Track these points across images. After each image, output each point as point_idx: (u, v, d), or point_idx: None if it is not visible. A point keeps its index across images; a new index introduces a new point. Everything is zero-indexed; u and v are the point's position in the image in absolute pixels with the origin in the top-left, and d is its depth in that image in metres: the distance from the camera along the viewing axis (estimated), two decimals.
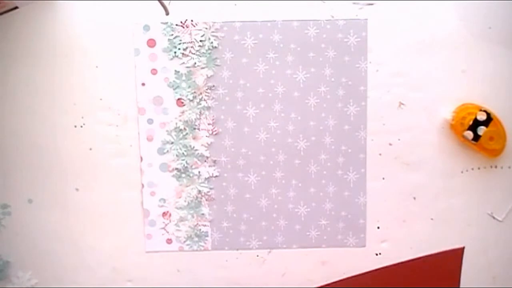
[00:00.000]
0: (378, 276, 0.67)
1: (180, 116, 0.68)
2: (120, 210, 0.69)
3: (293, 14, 0.66)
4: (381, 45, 0.66)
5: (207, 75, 0.67)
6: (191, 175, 0.68)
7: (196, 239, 0.70)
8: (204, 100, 0.67)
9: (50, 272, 0.70)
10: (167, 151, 0.68)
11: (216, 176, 0.69)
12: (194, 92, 0.67)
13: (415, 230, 0.69)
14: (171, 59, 0.67)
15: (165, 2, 0.65)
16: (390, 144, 0.68)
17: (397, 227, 0.69)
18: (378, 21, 0.66)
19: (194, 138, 0.68)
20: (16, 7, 0.64)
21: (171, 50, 0.67)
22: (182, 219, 0.69)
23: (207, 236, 0.70)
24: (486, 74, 0.66)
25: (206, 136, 0.68)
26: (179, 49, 0.66)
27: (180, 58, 0.67)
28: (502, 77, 0.66)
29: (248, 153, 0.68)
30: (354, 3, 0.66)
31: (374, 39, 0.66)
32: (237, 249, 0.70)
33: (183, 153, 0.68)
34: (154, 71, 0.67)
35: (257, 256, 0.70)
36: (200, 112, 0.68)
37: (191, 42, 0.66)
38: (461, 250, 0.67)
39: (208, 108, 0.68)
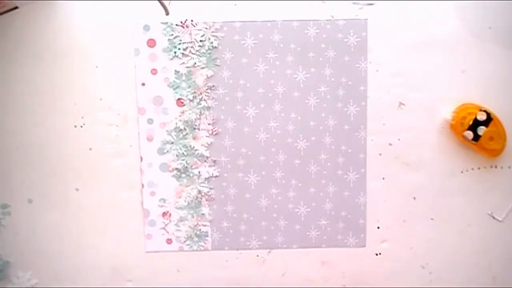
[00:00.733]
0: None
1: (180, 116, 0.68)
2: (120, 210, 0.69)
3: (293, 14, 0.66)
4: (381, 45, 0.66)
5: (207, 75, 0.67)
6: (191, 175, 0.69)
7: (196, 239, 0.70)
8: (204, 100, 0.67)
9: (50, 272, 0.70)
10: (167, 151, 0.68)
11: (216, 176, 0.69)
12: (194, 92, 0.67)
13: (415, 230, 0.69)
14: (171, 59, 0.67)
15: (165, 2, 0.65)
16: (390, 144, 0.68)
17: (397, 227, 0.69)
18: (378, 21, 0.66)
19: (194, 138, 0.68)
20: (16, 7, 0.64)
21: (171, 50, 0.67)
22: (182, 219, 0.69)
23: (207, 236, 0.70)
24: (486, 74, 0.66)
25: (206, 136, 0.68)
26: (179, 49, 0.66)
27: (180, 58, 0.67)
28: (502, 77, 0.66)
29: (248, 153, 0.68)
30: (354, 3, 0.66)
31: (374, 39, 0.66)
32: (237, 249, 0.70)
33: (183, 153, 0.68)
34: (154, 71, 0.67)
35: (257, 256, 0.70)
36: (200, 112, 0.68)
37: (191, 42, 0.66)
38: None
39: (208, 108, 0.68)
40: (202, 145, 0.68)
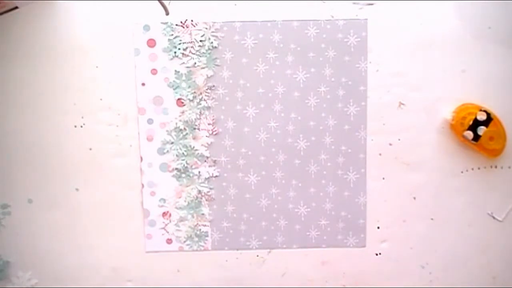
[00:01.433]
0: None
1: (180, 116, 0.68)
2: (120, 210, 0.69)
3: (293, 14, 0.66)
4: (381, 45, 0.66)
5: (207, 75, 0.67)
6: (191, 175, 0.69)
7: (196, 239, 0.70)
8: (204, 100, 0.67)
9: (50, 272, 0.70)
10: (167, 151, 0.68)
11: (216, 176, 0.69)
12: (194, 92, 0.67)
13: (415, 230, 0.69)
14: (171, 59, 0.67)
15: (165, 2, 0.65)
16: (390, 144, 0.68)
17: (397, 227, 0.69)
18: (378, 21, 0.66)
19: (194, 138, 0.68)
20: (16, 7, 0.64)
21: (171, 50, 0.67)
22: (182, 219, 0.69)
23: (207, 236, 0.70)
24: (486, 74, 0.66)
25: (206, 136, 0.68)
26: (179, 49, 0.66)
27: (180, 58, 0.67)
28: (502, 77, 0.66)
29: (248, 153, 0.68)
30: (354, 3, 0.66)
31: (374, 39, 0.66)
32: (237, 249, 0.70)
33: (183, 153, 0.68)
34: (154, 71, 0.67)
35: (257, 256, 0.70)
36: (200, 112, 0.68)
37: (191, 42, 0.66)
38: None
39: (208, 108, 0.68)
40: (202, 145, 0.68)
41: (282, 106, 0.68)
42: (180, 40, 0.66)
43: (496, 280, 0.69)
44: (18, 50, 0.66)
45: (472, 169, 0.68)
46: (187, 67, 0.67)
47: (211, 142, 0.68)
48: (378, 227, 0.69)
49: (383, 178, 0.68)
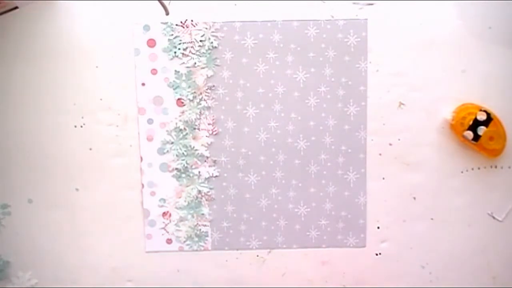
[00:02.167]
0: None
1: (180, 116, 0.68)
2: (120, 210, 0.69)
3: (293, 14, 0.66)
4: (381, 45, 0.66)
5: (207, 75, 0.67)
6: (191, 175, 0.69)
7: (196, 239, 0.70)
8: (204, 100, 0.67)
9: (50, 272, 0.70)
10: (167, 151, 0.68)
11: (216, 176, 0.69)
12: (194, 92, 0.67)
13: (415, 230, 0.69)
14: (171, 59, 0.67)
15: (165, 2, 0.65)
16: (390, 144, 0.68)
17: (397, 227, 0.69)
18: (378, 21, 0.66)
19: (194, 138, 0.68)
20: (16, 7, 0.64)
21: (171, 50, 0.67)
22: (182, 219, 0.69)
23: (207, 236, 0.70)
24: (486, 74, 0.66)
25: (206, 136, 0.68)
26: (179, 49, 0.66)
27: (180, 58, 0.67)
28: (502, 77, 0.66)
29: (248, 153, 0.68)
30: (354, 3, 0.66)
31: (374, 39, 0.66)
32: (237, 249, 0.70)
33: (183, 153, 0.68)
34: (154, 71, 0.67)
35: (257, 256, 0.70)
36: (200, 112, 0.68)
37: (191, 42, 0.66)
38: None
39: (208, 108, 0.68)
40: (202, 145, 0.68)
41: (282, 106, 0.68)
42: (180, 40, 0.66)
43: (496, 280, 0.69)
44: (18, 50, 0.66)
45: (472, 169, 0.68)
46: (187, 67, 0.67)
47: (211, 142, 0.68)
48: (378, 227, 0.69)
49: (383, 178, 0.68)
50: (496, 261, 0.69)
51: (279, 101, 0.67)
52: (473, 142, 0.65)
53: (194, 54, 0.67)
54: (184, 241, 0.70)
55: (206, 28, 0.66)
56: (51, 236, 0.69)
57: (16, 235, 0.69)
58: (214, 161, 0.68)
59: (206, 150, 0.68)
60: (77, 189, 0.69)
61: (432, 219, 0.69)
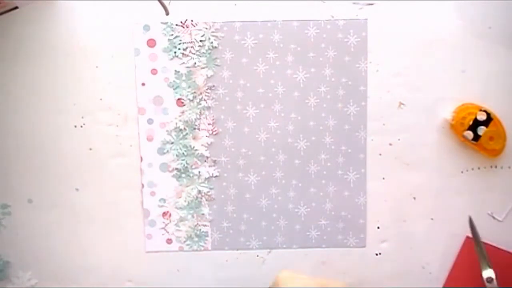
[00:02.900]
0: None
1: (180, 116, 0.68)
2: (120, 210, 0.69)
3: (293, 14, 0.66)
4: (381, 45, 0.66)
5: (207, 75, 0.67)
6: (191, 175, 0.68)
7: (196, 239, 0.70)
8: (204, 100, 0.67)
9: (50, 272, 0.70)
10: (167, 151, 0.68)
11: (216, 176, 0.69)
12: (194, 92, 0.67)
13: (415, 230, 0.69)
14: (171, 59, 0.67)
15: (165, 2, 0.65)
16: (390, 144, 0.68)
17: (397, 227, 0.69)
18: (378, 21, 0.66)
19: (194, 138, 0.68)
20: (16, 7, 0.64)
21: (171, 50, 0.67)
22: (182, 219, 0.69)
23: (207, 236, 0.70)
24: (486, 74, 0.66)
25: (206, 136, 0.68)
26: (179, 49, 0.66)
27: (180, 58, 0.67)
28: (502, 77, 0.66)
29: (248, 153, 0.68)
30: (354, 3, 0.66)
31: (374, 39, 0.66)
32: (237, 249, 0.70)
33: (183, 153, 0.68)
34: (154, 71, 0.67)
35: (257, 256, 0.70)
36: (200, 112, 0.68)
37: (191, 42, 0.66)
38: None
39: (208, 108, 0.68)
40: (202, 145, 0.68)
41: (282, 106, 0.68)
42: (180, 40, 0.66)
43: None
44: (18, 50, 0.67)
45: (472, 169, 0.68)
46: (187, 67, 0.67)
47: (211, 142, 0.68)
48: (378, 227, 0.69)
49: (383, 178, 0.68)
50: None
51: (279, 101, 0.67)
52: (473, 142, 0.65)
53: (194, 54, 0.67)
54: (184, 241, 0.70)
55: (206, 28, 0.66)
56: (51, 236, 0.69)
57: (16, 235, 0.69)
58: (214, 161, 0.68)
59: (206, 150, 0.68)
60: (77, 189, 0.69)
61: (432, 219, 0.69)
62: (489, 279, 0.62)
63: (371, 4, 0.66)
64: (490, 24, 0.65)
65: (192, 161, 0.68)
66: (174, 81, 0.67)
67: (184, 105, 0.67)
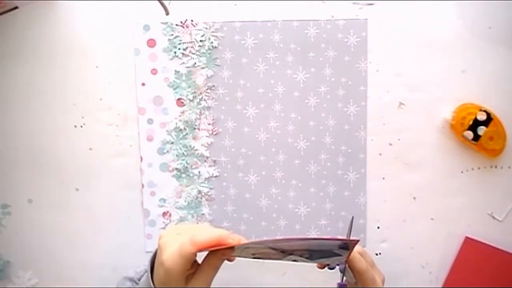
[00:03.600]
0: None
1: (180, 116, 0.68)
2: (120, 210, 0.69)
3: (293, 14, 0.66)
4: (381, 45, 0.66)
5: (207, 75, 0.67)
6: (191, 175, 0.69)
7: None
8: (204, 100, 0.67)
9: (50, 272, 0.70)
10: (167, 151, 0.68)
11: (216, 176, 0.69)
12: (194, 92, 0.67)
13: (415, 230, 0.69)
14: (171, 59, 0.67)
15: (165, 2, 0.65)
16: (390, 144, 0.68)
17: (397, 227, 0.69)
18: (378, 21, 0.66)
19: (194, 138, 0.68)
20: (16, 7, 0.64)
21: (171, 50, 0.67)
22: (182, 219, 0.69)
23: None
24: (486, 74, 0.66)
25: (206, 136, 0.68)
26: (179, 49, 0.66)
27: (180, 58, 0.67)
28: (502, 77, 0.66)
29: (248, 153, 0.68)
30: (354, 3, 0.66)
31: (374, 39, 0.66)
32: None
33: (183, 153, 0.68)
34: (154, 71, 0.67)
35: None
36: (200, 112, 0.68)
37: (191, 42, 0.66)
38: None
39: (208, 108, 0.68)
40: (202, 145, 0.68)
41: (282, 106, 0.68)
42: (180, 40, 0.66)
43: None
44: (18, 50, 0.66)
45: (472, 169, 0.68)
46: (187, 67, 0.67)
47: (211, 142, 0.68)
48: (378, 227, 0.69)
49: (383, 178, 0.68)
50: None
51: (279, 101, 0.67)
52: (473, 142, 0.65)
53: (194, 54, 0.67)
54: None
55: (206, 28, 0.66)
56: (51, 236, 0.69)
57: (16, 235, 0.69)
58: (214, 161, 0.68)
59: (206, 150, 0.68)
60: (77, 189, 0.69)
61: (432, 219, 0.69)
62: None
63: (371, 4, 0.66)
64: (490, 24, 0.65)
65: (192, 161, 0.68)
66: (174, 81, 0.67)
67: (184, 105, 0.67)
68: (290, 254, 0.46)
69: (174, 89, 0.67)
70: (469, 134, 0.65)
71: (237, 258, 0.70)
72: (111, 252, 0.70)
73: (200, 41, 0.66)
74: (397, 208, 0.69)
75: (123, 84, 0.67)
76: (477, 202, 0.68)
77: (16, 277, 0.70)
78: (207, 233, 0.45)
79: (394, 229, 0.69)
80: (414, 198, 0.68)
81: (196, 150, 0.68)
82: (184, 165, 0.68)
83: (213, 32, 0.66)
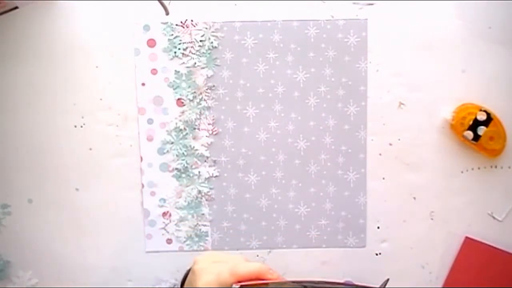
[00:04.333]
0: None
1: (180, 116, 0.68)
2: (120, 210, 0.69)
3: (293, 14, 0.66)
4: (381, 45, 0.66)
5: (207, 75, 0.67)
6: (191, 175, 0.69)
7: (196, 239, 0.70)
8: (204, 100, 0.67)
9: (50, 272, 0.70)
10: (167, 151, 0.68)
11: (216, 176, 0.69)
12: (194, 92, 0.67)
13: (415, 230, 0.69)
14: (171, 59, 0.67)
15: (165, 2, 0.65)
16: (390, 144, 0.68)
17: (397, 227, 0.69)
18: (378, 21, 0.66)
19: (194, 138, 0.68)
20: (16, 7, 0.64)
21: (171, 50, 0.67)
22: (182, 219, 0.69)
23: (207, 236, 0.70)
24: (486, 74, 0.66)
25: (206, 136, 0.68)
26: (179, 49, 0.66)
27: (180, 58, 0.67)
28: (502, 77, 0.66)
29: (248, 153, 0.68)
30: (354, 3, 0.66)
31: (374, 39, 0.66)
32: (237, 249, 0.70)
33: (183, 153, 0.68)
34: (154, 71, 0.67)
35: (257, 256, 0.70)
36: (200, 112, 0.68)
37: (191, 42, 0.66)
38: None
39: (208, 108, 0.68)
40: (202, 145, 0.68)
41: (282, 106, 0.68)
42: (180, 40, 0.66)
43: None
44: (18, 50, 0.67)
45: (472, 169, 0.68)
46: (187, 67, 0.67)
47: (211, 142, 0.68)
48: (378, 227, 0.69)
49: (383, 178, 0.68)
50: None
51: (279, 101, 0.67)
52: (473, 142, 0.65)
53: (194, 54, 0.67)
54: (184, 241, 0.70)
55: (206, 28, 0.66)
56: (51, 236, 0.69)
57: (16, 235, 0.69)
58: (214, 161, 0.68)
59: (206, 150, 0.68)
60: (77, 189, 0.69)
61: (432, 219, 0.69)
62: None
63: (371, 4, 0.66)
64: (490, 24, 0.65)
65: (192, 161, 0.68)
66: (174, 81, 0.67)
67: (184, 105, 0.67)
68: None
69: (174, 89, 0.67)
70: (469, 134, 0.65)
71: None
72: (111, 252, 0.70)
73: (200, 41, 0.66)
74: (397, 208, 0.69)
75: (123, 84, 0.67)
76: (477, 202, 0.68)
77: (16, 277, 0.70)
78: (247, 265, 0.45)
79: (394, 229, 0.69)
80: (414, 198, 0.68)
81: (196, 150, 0.68)
82: (184, 165, 0.68)
83: (213, 32, 0.66)
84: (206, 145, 0.68)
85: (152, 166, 0.68)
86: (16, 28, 0.66)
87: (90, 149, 0.68)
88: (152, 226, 0.69)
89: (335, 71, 0.67)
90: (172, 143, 0.68)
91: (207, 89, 0.67)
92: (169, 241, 0.70)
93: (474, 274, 0.67)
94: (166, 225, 0.69)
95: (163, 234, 0.70)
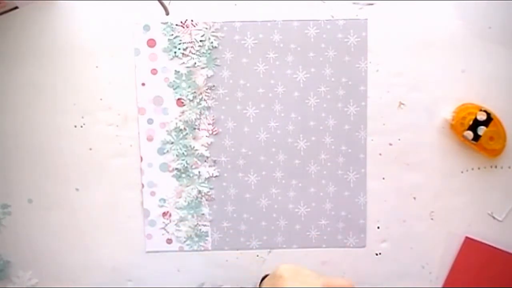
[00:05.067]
0: None
1: (180, 116, 0.68)
2: (120, 210, 0.69)
3: (293, 14, 0.66)
4: (381, 45, 0.66)
5: (207, 75, 0.67)
6: (191, 175, 0.69)
7: (196, 239, 0.70)
8: (204, 100, 0.67)
9: (50, 272, 0.70)
10: (167, 151, 0.68)
11: (216, 176, 0.69)
12: (194, 92, 0.67)
13: (415, 230, 0.69)
14: (171, 59, 0.67)
15: (165, 2, 0.65)
16: (390, 144, 0.68)
17: (397, 227, 0.69)
18: (378, 21, 0.66)
19: (194, 138, 0.68)
20: (16, 7, 0.64)
21: (171, 50, 0.67)
22: (182, 219, 0.69)
23: (207, 236, 0.70)
24: (486, 74, 0.66)
25: (206, 136, 0.68)
26: (179, 49, 0.66)
27: (180, 58, 0.67)
28: (502, 77, 0.66)
29: (248, 153, 0.68)
30: (354, 3, 0.66)
31: (374, 39, 0.66)
32: (237, 249, 0.70)
33: (183, 153, 0.68)
34: (154, 71, 0.67)
35: (257, 256, 0.70)
36: (200, 112, 0.68)
37: (191, 42, 0.66)
38: None
39: (208, 108, 0.68)
40: (202, 145, 0.68)
41: (282, 106, 0.68)
42: (180, 40, 0.66)
43: None
44: (18, 50, 0.67)
45: (472, 169, 0.68)
46: (187, 67, 0.67)
47: (211, 142, 0.68)
48: (378, 227, 0.69)
49: (383, 178, 0.68)
50: None
51: (279, 101, 0.68)
52: (473, 142, 0.65)
53: (194, 54, 0.67)
54: (184, 241, 0.70)
55: (206, 28, 0.66)
56: (51, 236, 0.69)
57: (16, 235, 0.69)
58: (214, 161, 0.68)
59: (206, 150, 0.68)
60: (77, 189, 0.69)
61: (432, 219, 0.69)
62: None
63: (371, 4, 0.66)
64: (490, 24, 0.65)
65: (192, 161, 0.68)
66: (174, 81, 0.67)
67: (184, 105, 0.67)
68: None
69: (174, 89, 0.67)
70: (469, 134, 0.65)
71: (236, 257, 0.70)
72: (111, 252, 0.70)
73: (200, 41, 0.66)
74: (397, 208, 0.69)
75: (123, 84, 0.67)
76: (477, 202, 0.68)
77: (16, 277, 0.70)
78: (339, 280, 0.50)
79: (394, 229, 0.69)
80: (414, 198, 0.68)
81: (196, 150, 0.68)
82: (184, 165, 0.68)
83: (213, 32, 0.66)
84: (206, 145, 0.68)
85: (152, 166, 0.68)
86: (16, 28, 0.66)
87: (90, 149, 0.68)
88: (152, 226, 0.69)
89: (335, 71, 0.67)
90: (172, 143, 0.68)
91: (207, 89, 0.67)
92: (169, 241, 0.70)
93: (474, 274, 0.67)
94: (166, 225, 0.69)
95: (163, 234, 0.70)
